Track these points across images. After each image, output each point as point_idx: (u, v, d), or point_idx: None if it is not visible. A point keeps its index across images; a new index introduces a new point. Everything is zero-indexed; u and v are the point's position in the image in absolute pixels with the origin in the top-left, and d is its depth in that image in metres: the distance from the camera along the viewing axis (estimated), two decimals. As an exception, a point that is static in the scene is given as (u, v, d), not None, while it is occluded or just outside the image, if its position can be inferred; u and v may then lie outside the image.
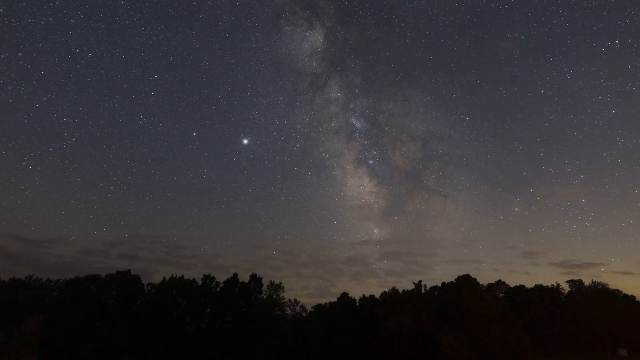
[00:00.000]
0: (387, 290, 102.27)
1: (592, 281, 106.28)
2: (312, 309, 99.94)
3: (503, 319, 77.46)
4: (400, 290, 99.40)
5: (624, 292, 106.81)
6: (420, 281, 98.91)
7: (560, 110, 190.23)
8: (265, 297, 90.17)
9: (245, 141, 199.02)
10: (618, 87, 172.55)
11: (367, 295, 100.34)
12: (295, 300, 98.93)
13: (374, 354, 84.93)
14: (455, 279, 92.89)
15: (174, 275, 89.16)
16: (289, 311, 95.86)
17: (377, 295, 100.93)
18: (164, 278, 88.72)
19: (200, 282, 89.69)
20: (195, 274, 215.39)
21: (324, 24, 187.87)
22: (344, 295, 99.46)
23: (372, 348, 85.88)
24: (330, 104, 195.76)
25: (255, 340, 79.16)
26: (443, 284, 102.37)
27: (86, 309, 79.40)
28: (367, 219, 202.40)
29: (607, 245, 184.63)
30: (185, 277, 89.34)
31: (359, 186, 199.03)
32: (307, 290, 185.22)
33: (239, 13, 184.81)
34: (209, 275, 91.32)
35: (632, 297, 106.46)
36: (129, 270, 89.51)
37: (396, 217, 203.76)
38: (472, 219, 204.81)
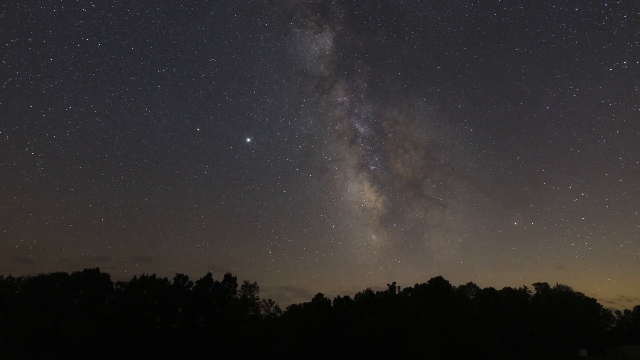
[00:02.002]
0: (361, 291, 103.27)
1: (557, 284, 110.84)
2: (286, 310, 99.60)
3: (473, 320, 79.58)
4: (375, 292, 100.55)
5: (585, 295, 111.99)
6: (394, 283, 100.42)
7: (565, 127, 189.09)
8: (239, 297, 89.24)
9: (248, 140, 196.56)
10: (624, 108, 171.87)
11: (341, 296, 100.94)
12: (269, 300, 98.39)
13: (348, 355, 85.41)
14: (428, 281, 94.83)
15: (145, 274, 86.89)
16: (263, 312, 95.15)
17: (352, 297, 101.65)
18: (135, 277, 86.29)
19: (172, 282, 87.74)
20: (189, 269, 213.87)
21: (334, 27, 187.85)
22: (319, 296, 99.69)
23: (345, 348, 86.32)
24: (335, 108, 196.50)
25: (228, 340, 78.11)
26: (416, 285, 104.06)
27: (50, 308, 76.10)
28: (365, 224, 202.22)
29: (604, 265, 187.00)
30: (177, 275, 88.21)
31: (359, 191, 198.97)
32: (300, 292, 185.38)
33: (249, 12, 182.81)
34: (182, 275, 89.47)
35: (594, 300, 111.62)
36: (97, 269, 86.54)
37: (394, 225, 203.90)
38: (470, 231, 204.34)
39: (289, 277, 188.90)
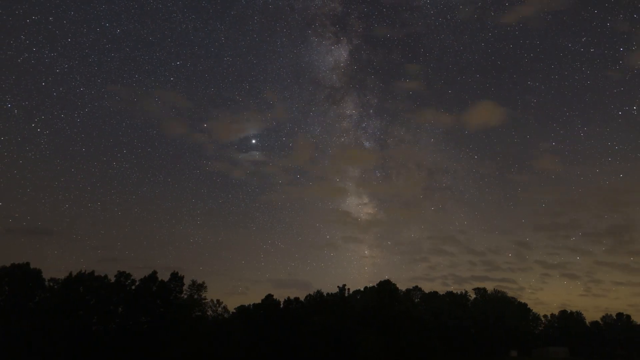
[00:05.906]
0: (312, 293, 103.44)
1: (494, 289, 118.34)
2: (234, 311, 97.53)
3: (418, 322, 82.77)
4: (325, 294, 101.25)
5: (519, 300, 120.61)
6: (344, 285, 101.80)
7: (569, 165, 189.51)
8: (185, 297, 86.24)
9: (254, 141, 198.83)
10: (629, 153, 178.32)
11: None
12: (217, 300, 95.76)
13: (297, 355, 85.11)
14: (376, 284, 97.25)
15: (83, 270, 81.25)
16: (210, 312, 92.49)
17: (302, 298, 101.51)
18: (70, 273, 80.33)
19: (113, 279, 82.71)
20: (181, 263, 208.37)
21: (351, 41, 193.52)
22: (269, 297, 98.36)
23: (294, 350, 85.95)
24: (343, 120, 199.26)
25: (172, 341, 74.93)
26: (365, 288, 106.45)
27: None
28: (360, 239, 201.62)
29: (597, 309, 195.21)
30: (118, 272, 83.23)
31: (358, 205, 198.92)
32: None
33: (270, 16, 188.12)
34: (124, 272, 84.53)
35: (525, 304, 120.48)
36: (28, 263, 79.45)
37: (389, 242, 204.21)
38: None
39: (278, 284, 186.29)
